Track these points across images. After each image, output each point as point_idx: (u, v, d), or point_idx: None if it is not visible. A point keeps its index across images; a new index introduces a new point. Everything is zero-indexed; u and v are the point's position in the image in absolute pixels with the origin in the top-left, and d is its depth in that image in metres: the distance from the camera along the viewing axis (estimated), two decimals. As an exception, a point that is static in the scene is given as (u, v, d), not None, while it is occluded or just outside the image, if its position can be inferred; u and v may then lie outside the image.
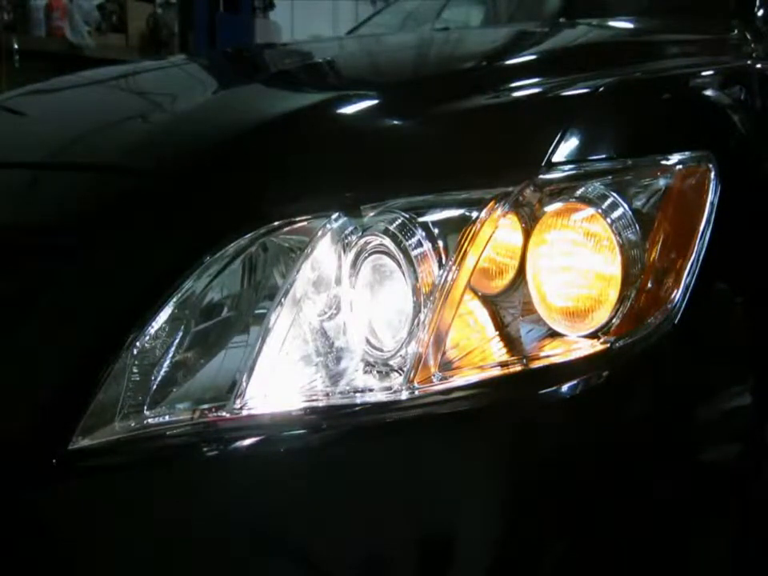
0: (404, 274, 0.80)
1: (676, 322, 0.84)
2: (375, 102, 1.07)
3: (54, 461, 0.75)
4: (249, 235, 0.81)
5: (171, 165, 0.96)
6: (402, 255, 0.80)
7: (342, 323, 0.84)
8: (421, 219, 0.82)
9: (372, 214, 0.83)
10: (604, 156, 0.90)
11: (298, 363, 0.82)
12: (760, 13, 1.43)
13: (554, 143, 0.86)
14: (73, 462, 0.75)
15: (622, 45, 1.39)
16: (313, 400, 0.79)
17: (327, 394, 0.79)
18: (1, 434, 0.78)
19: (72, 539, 0.76)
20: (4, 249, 0.91)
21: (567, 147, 0.87)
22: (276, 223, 0.82)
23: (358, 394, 0.79)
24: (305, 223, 0.83)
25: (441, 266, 0.80)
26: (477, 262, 0.81)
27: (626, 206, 0.84)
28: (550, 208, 0.85)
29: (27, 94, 1.52)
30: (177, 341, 0.79)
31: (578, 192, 0.85)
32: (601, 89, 0.98)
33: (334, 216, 0.83)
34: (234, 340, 0.81)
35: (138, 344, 0.78)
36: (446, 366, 0.80)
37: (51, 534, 0.76)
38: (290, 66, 1.58)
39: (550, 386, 0.81)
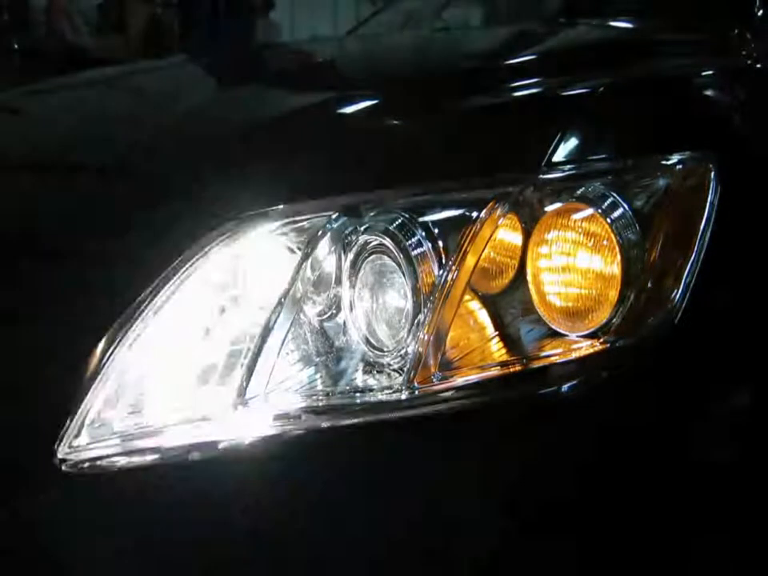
0: (404, 274, 0.80)
1: (676, 322, 0.84)
2: (375, 101, 1.07)
3: (54, 461, 0.75)
4: (249, 235, 0.81)
5: (169, 164, 0.96)
6: (401, 255, 0.80)
7: (342, 323, 0.84)
8: (421, 219, 0.82)
9: (372, 213, 0.83)
10: (604, 156, 0.90)
11: (297, 363, 0.82)
12: (760, 13, 1.42)
13: (554, 143, 0.86)
14: (73, 463, 0.75)
15: (622, 45, 1.39)
16: (313, 400, 0.79)
17: (327, 394, 0.80)
18: (1, 435, 0.78)
19: (71, 539, 0.76)
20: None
21: (567, 147, 0.87)
22: (276, 223, 0.82)
23: (357, 394, 0.79)
24: (305, 223, 0.83)
25: (441, 266, 0.80)
26: (477, 262, 0.81)
27: (626, 205, 0.84)
28: (550, 208, 0.85)
29: (27, 94, 1.52)
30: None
31: (578, 192, 0.85)
32: (601, 89, 0.98)
33: (334, 216, 0.83)
34: (234, 342, 0.81)
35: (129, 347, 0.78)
36: (446, 366, 0.80)
37: (51, 533, 0.76)
38: (289, 66, 1.58)
39: (550, 386, 0.81)
